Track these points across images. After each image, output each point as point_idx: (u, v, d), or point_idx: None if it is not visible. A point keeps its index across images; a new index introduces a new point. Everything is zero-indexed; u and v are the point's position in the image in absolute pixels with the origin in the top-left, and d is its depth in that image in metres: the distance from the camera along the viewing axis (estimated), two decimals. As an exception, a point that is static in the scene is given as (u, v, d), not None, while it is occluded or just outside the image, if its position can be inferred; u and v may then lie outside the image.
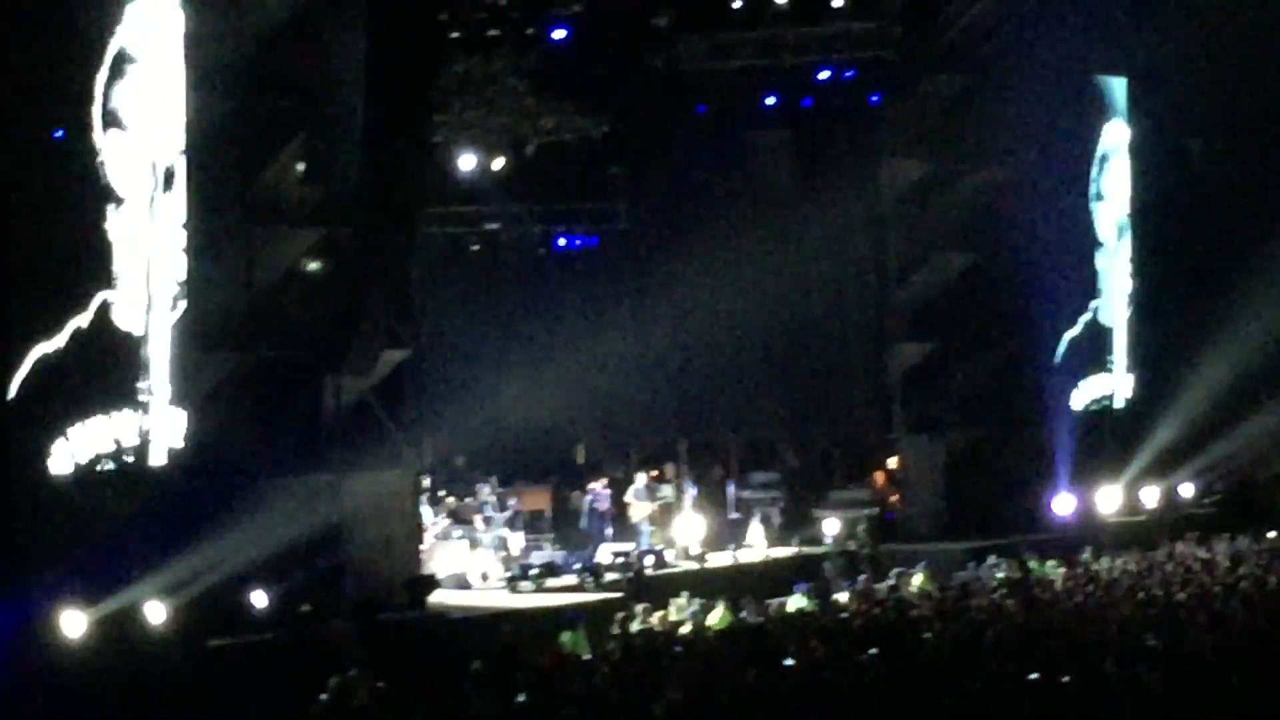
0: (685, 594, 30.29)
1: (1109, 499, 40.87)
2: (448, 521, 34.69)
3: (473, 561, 33.58)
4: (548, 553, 34.86)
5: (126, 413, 26.32)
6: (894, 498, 39.61)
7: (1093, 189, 42.09)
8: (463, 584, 32.62)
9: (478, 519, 34.91)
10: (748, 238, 41.47)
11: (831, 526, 37.58)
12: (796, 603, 29.40)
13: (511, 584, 32.53)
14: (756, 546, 36.74)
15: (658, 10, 36.50)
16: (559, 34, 34.93)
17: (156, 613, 26.11)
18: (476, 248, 40.51)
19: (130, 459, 26.32)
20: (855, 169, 39.80)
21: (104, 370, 25.84)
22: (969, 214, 40.04)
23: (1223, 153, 44.58)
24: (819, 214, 40.98)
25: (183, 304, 27.06)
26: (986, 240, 39.94)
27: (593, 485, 36.92)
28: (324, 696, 22.37)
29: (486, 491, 35.71)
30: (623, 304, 41.80)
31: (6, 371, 24.69)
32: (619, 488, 37.25)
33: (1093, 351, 42.21)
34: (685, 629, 26.91)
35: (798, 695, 19.22)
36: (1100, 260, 42.41)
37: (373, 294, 30.22)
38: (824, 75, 37.23)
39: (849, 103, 37.71)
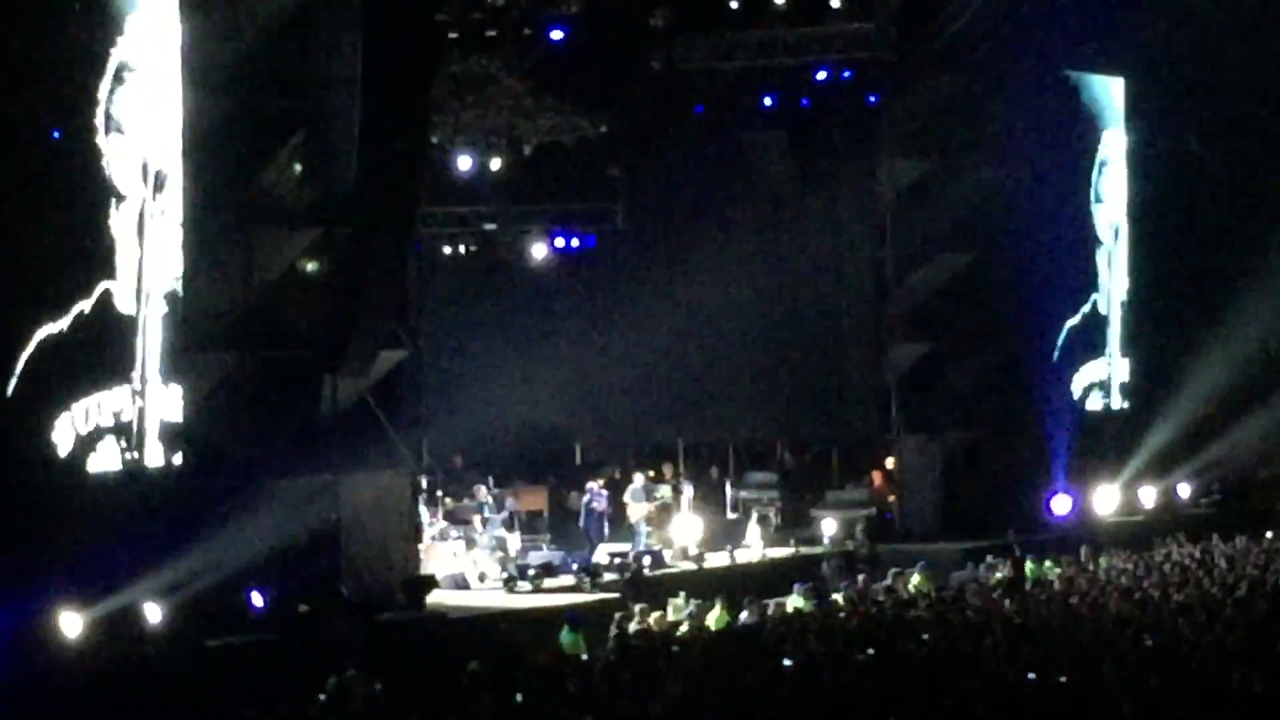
0: (683, 594, 30.27)
1: (1106, 499, 40.90)
2: (445, 522, 34.70)
3: (470, 562, 33.58)
4: (545, 553, 34.84)
5: (125, 389, 26.37)
6: (891, 498, 39.63)
7: (1091, 189, 42.09)
8: (460, 584, 32.62)
9: (475, 519, 34.91)
10: (745, 238, 41.50)
11: (829, 527, 37.60)
12: (794, 603, 29.37)
13: (509, 584, 32.54)
14: (754, 547, 36.75)
15: (655, 11, 36.49)
16: (557, 34, 34.93)
17: (154, 612, 26.11)
18: (474, 248, 40.50)
19: (129, 440, 26.35)
20: (853, 169, 39.84)
21: (103, 351, 26.00)
22: (966, 214, 40.05)
23: (1220, 152, 44.62)
24: (816, 214, 41.01)
25: (178, 298, 27.10)
26: (984, 241, 39.96)
27: (590, 485, 36.90)
28: (322, 696, 22.36)
29: (484, 492, 35.72)
30: (620, 304, 41.79)
31: (14, 348, 24.87)
32: (616, 488, 37.26)
33: (1090, 340, 42.19)
34: (683, 629, 26.89)
35: (795, 695, 19.23)
36: (1098, 259, 42.41)
37: (370, 294, 30.21)
38: (822, 75, 37.25)
39: (847, 103, 37.73)
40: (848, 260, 40.96)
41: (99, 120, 25.82)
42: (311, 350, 29.93)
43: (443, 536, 34.19)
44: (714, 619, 27.81)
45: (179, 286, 27.18)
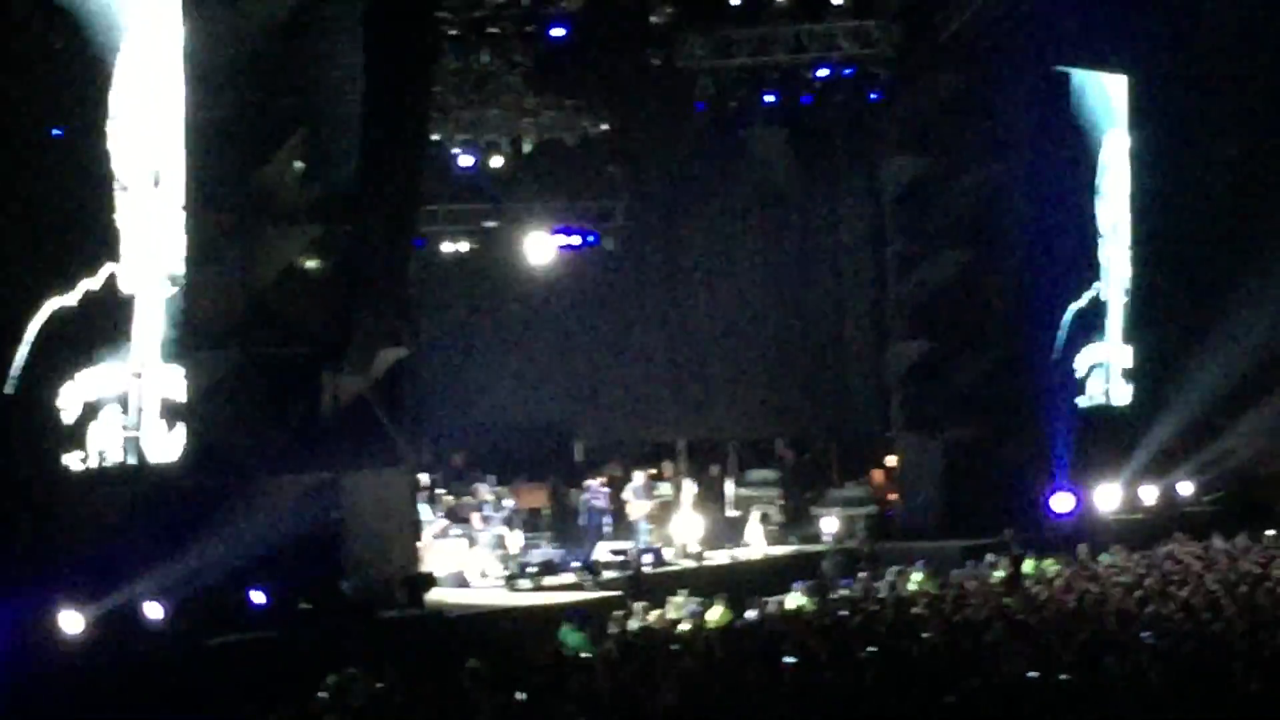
0: (684, 592, 30.28)
1: (1108, 497, 40.86)
2: (446, 520, 34.70)
3: (471, 560, 33.58)
4: (546, 551, 34.85)
5: (127, 365, 26.43)
6: (892, 496, 39.60)
7: (1092, 186, 42.04)
8: (461, 582, 32.61)
9: (476, 517, 34.90)
10: (746, 235, 41.49)
11: (830, 524, 37.57)
12: (795, 601, 29.39)
13: (509, 582, 32.53)
14: (755, 544, 36.74)
15: (656, 7, 36.47)
16: (558, 32, 34.90)
17: (154, 610, 26.09)
18: (475, 245, 40.48)
19: (126, 409, 26.40)
20: (854, 167, 39.83)
21: (109, 327, 26.11)
22: (968, 212, 40.02)
23: (1224, 148, 44.61)
24: (817, 211, 41.01)
25: (180, 291, 27.16)
26: (985, 238, 39.94)
27: (591, 483, 36.92)
28: (322, 694, 22.35)
29: (484, 490, 35.71)
30: (621, 302, 41.80)
31: (24, 318, 24.95)
32: (617, 486, 37.25)
33: (1093, 323, 42.16)
34: (684, 627, 26.90)
35: (796, 693, 19.22)
36: (1100, 254, 42.33)
37: (371, 292, 30.19)
38: (823, 73, 37.21)
39: (848, 100, 37.71)
40: (848, 257, 40.94)
41: (102, 116, 25.83)
42: (312, 348, 29.89)
43: (443, 534, 34.18)
44: (715, 617, 27.81)
45: (179, 281, 27.21)
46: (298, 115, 29.03)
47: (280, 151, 29.37)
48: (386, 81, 29.10)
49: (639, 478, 36.94)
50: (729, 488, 39.14)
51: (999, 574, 30.65)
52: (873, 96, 37.64)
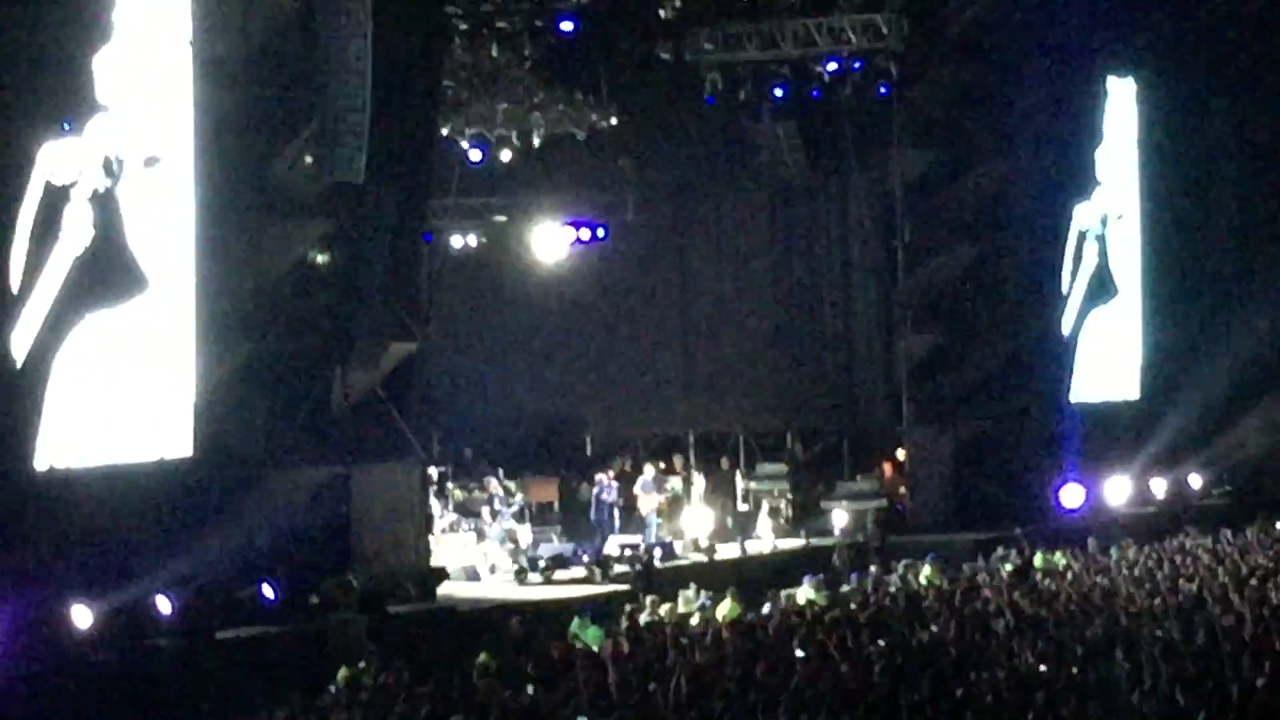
0: (694, 586, 30.27)
1: (1118, 490, 40.83)
2: (455, 514, 34.71)
3: (481, 553, 33.58)
4: (556, 545, 34.85)
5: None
6: (902, 489, 39.57)
7: (1099, 179, 42.00)
8: (471, 576, 32.63)
9: (486, 511, 34.91)
10: (755, 229, 41.48)
11: (840, 518, 37.56)
12: (805, 594, 29.36)
13: (519, 576, 32.55)
14: (765, 538, 36.73)
15: (665, 2, 36.46)
16: (567, 26, 34.89)
17: (165, 604, 26.12)
18: (484, 239, 40.48)
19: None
20: (863, 160, 39.78)
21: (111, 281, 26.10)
22: (977, 205, 40.00)
23: (1231, 145, 44.61)
24: (827, 205, 40.99)
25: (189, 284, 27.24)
26: (994, 232, 39.92)
27: (600, 477, 36.89)
28: (333, 688, 22.38)
29: (494, 484, 35.72)
30: (631, 295, 41.78)
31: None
32: (627, 480, 37.25)
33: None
34: (694, 621, 26.89)
35: (806, 686, 19.22)
36: (1086, 248, 42.20)
37: (380, 286, 30.22)
38: (832, 67, 37.17)
39: (857, 94, 37.65)
40: (858, 251, 40.92)
41: (100, 107, 25.83)
42: (321, 342, 29.94)
43: (453, 528, 34.20)
44: (725, 611, 27.79)
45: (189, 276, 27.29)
46: (307, 110, 29.06)
47: (289, 146, 29.40)
48: (395, 76, 29.11)
49: (649, 471, 36.94)
50: (739, 481, 39.12)
51: (1008, 567, 30.63)
52: (882, 90, 37.59)
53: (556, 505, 37.87)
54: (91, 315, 25.70)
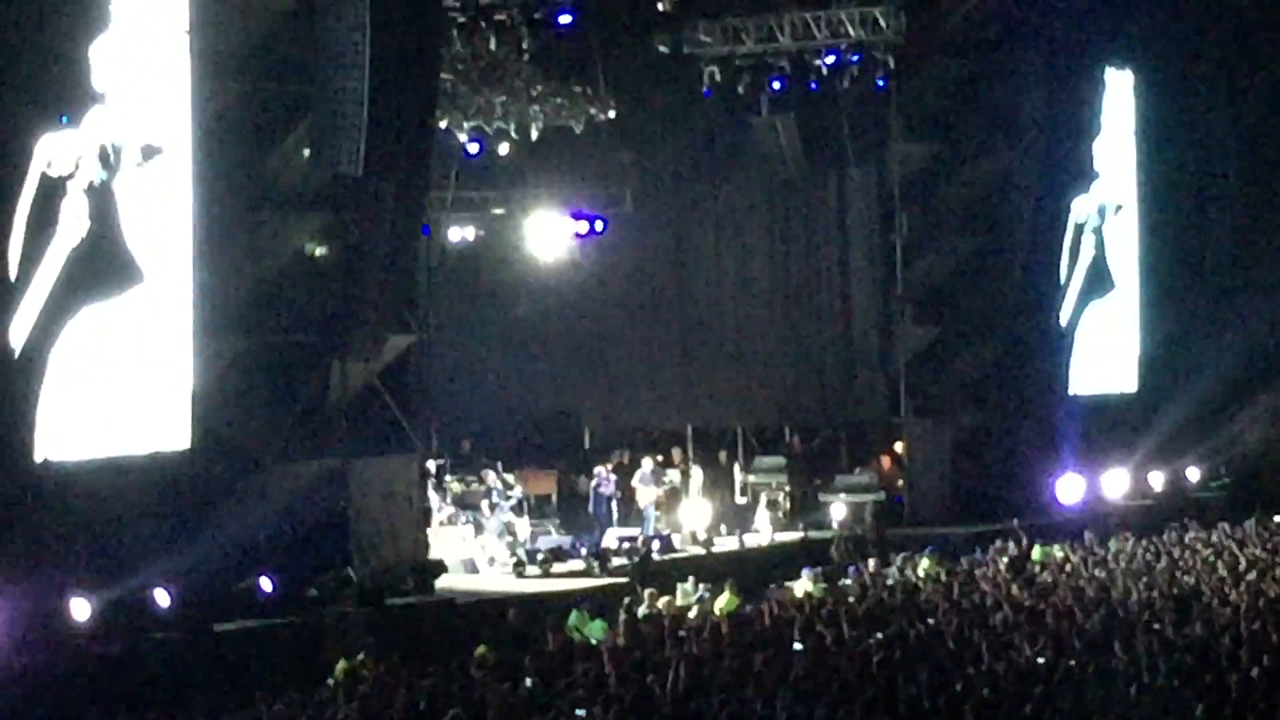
0: (692, 579, 30.29)
1: (1116, 483, 40.84)
2: (454, 507, 34.71)
3: (479, 546, 33.59)
4: (554, 538, 34.85)
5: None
6: (900, 482, 39.58)
7: (1097, 171, 41.98)
8: (469, 569, 32.62)
9: (484, 504, 34.92)
10: (754, 222, 41.44)
11: (838, 511, 37.57)
12: (803, 587, 29.38)
13: (517, 568, 32.54)
14: (763, 531, 36.73)
15: (663, -6, 36.48)
16: (565, 19, 34.86)
17: (163, 597, 26.13)
18: (482, 232, 40.46)
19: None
20: (861, 153, 39.76)
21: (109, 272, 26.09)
22: (975, 198, 40.04)
23: (1229, 140, 44.61)
24: (825, 198, 40.96)
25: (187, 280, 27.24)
26: (992, 225, 39.95)
27: (599, 470, 36.89)
28: (331, 681, 22.39)
29: (492, 477, 35.70)
30: (628, 288, 41.75)
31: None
32: (625, 473, 37.25)
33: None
34: (692, 613, 26.90)
35: (805, 679, 19.23)
36: (1083, 240, 42.20)
37: (378, 279, 30.20)
38: (830, 60, 37.15)
39: (855, 87, 37.64)
40: (856, 244, 40.90)
41: (98, 101, 25.83)
42: (320, 335, 29.94)
43: (451, 521, 34.20)
44: (723, 603, 27.81)
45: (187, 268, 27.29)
46: (305, 103, 29.05)
47: (287, 139, 29.41)
48: (393, 69, 29.09)
49: (647, 464, 36.94)
50: (737, 474, 39.14)
51: (1006, 560, 30.63)
52: (880, 83, 37.57)
53: (555, 498, 37.88)
54: (88, 307, 25.70)
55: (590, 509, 36.32)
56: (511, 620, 26.59)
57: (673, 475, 37.43)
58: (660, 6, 36.30)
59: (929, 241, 39.84)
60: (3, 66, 24.69)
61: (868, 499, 38.14)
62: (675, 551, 34.72)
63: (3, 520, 24.72)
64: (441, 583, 30.73)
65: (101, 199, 25.86)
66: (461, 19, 33.80)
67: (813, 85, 37.65)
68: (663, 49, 37.42)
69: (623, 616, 26.27)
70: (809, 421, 41.42)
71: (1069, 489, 39.32)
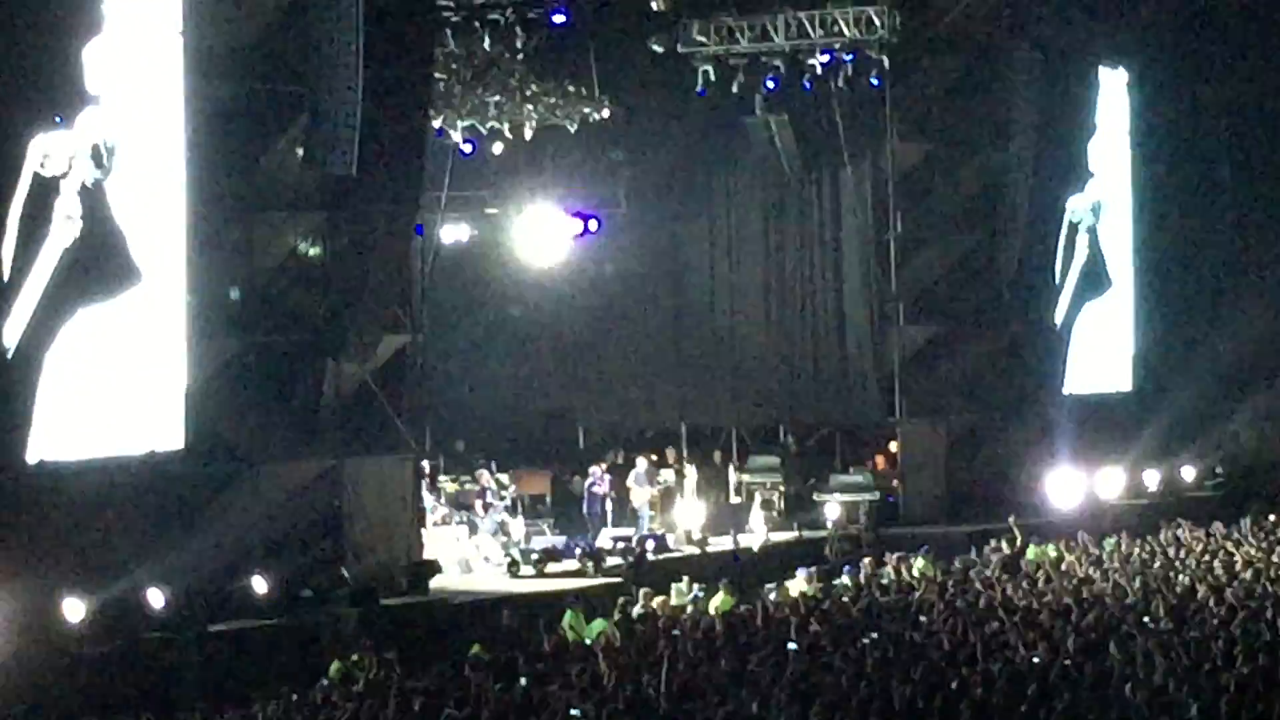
0: (686, 578, 30.27)
1: (1111, 482, 40.82)
2: (448, 506, 34.68)
3: (473, 546, 33.56)
4: (548, 537, 34.82)
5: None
6: (895, 481, 39.55)
7: (1091, 170, 41.96)
8: (463, 569, 32.60)
9: (478, 504, 34.88)
10: (748, 221, 41.41)
11: (833, 510, 37.54)
12: (798, 587, 29.36)
13: (512, 569, 32.51)
14: (757, 531, 36.70)
15: (657, -7, 36.43)
16: (559, 18, 34.84)
17: (157, 598, 26.10)
18: (476, 232, 40.43)
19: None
20: (856, 153, 39.73)
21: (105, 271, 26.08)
22: (970, 197, 40.03)
23: (1224, 137, 44.63)
24: (819, 197, 40.93)
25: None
26: (987, 223, 39.95)
27: (593, 470, 36.86)
28: (325, 681, 22.37)
29: (486, 476, 35.68)
30: (623, 288, 41.72)
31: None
32: (619, 472, 37.21)
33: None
34: (687, 613, 26.87)
35: (799, 678, 19.21)
36: (1078, 239, 42.18)
37: (372, 278, 30.19)
38: (824, 59, 37.13)
39: (849, 86, 37.61)
40: (851, 243, 40.86)
41: (96, 100, 25.79)
42: (313, 335, 29.92)
43: (445, 521, 34.16)
44: (718, 603, 27.79)
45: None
46: (298, 103, 29.03)
47: (281, 139, 29.39)
48: (387, 68, 29.07)
49: (641, 464, 36.91)
50: (731, 474, 39.09)
51: (999, 559, 30.62)
52: (874, 82, 37.54)
53: (549, 498, 37.85)
54: (83, 309, 25.66)
55: (584, 509, 36.30)
56: (506, 620, 26.57)
57: (667, 475, 37.40)
58: (654, 6, 36.23)
59: (923, 241, 39.83)
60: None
61: (862, 498, 38.11)
62: (670, 551, 34.69)
63: (-3, 521, 24.71)
64: (436, 583, 30.71)
65: (95, 199, 25.84)
66: (455, 18, 33.78)
67: (807, 85, 37.62)
68: (657, 48, 37.37)
69: (617, 616, 26.25)
70: (803, 421, 41.38)
71: (1064, 488, 39.29)
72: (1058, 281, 40.99)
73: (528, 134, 36.49)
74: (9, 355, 24.78)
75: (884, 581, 28.87)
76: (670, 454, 39.23)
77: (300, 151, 29.38)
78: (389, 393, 31.22)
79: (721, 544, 35.63)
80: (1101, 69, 42.19)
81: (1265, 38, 43.05)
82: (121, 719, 21.95)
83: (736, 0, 37.08)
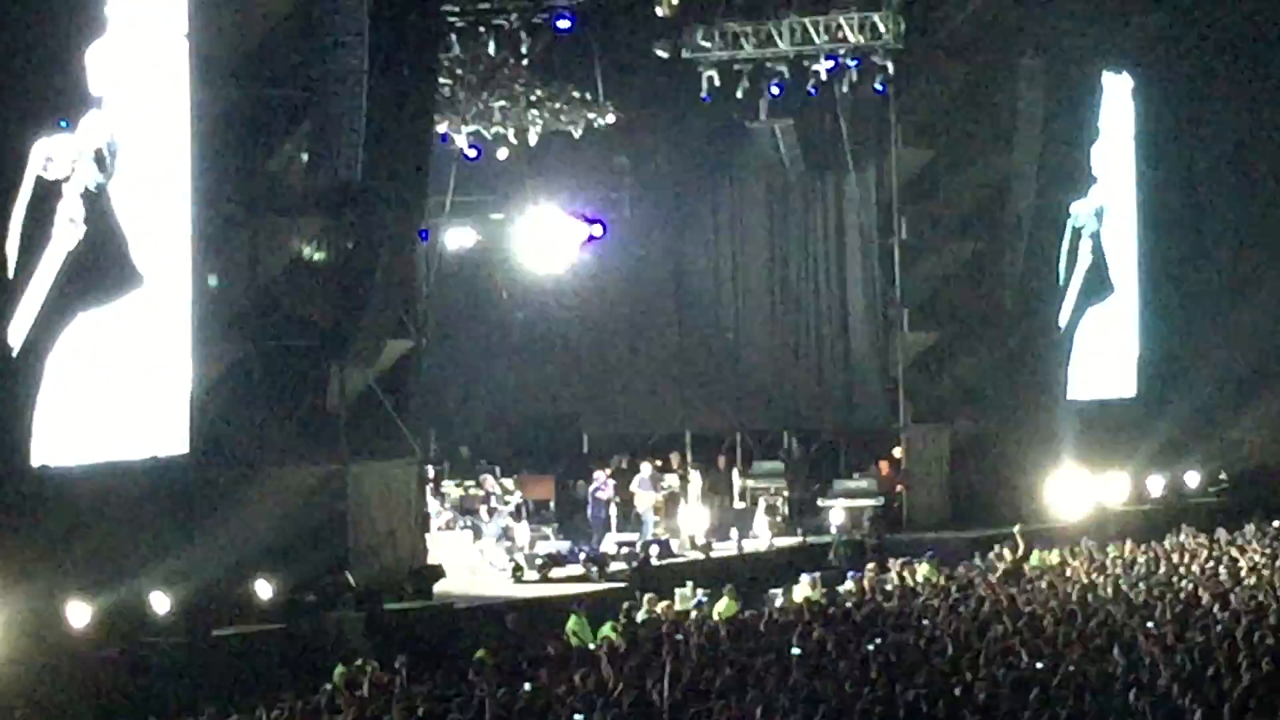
0: (690, 583, 30.27)
1: (1115, 488, 40.81)
2: (452, 511, 34.68)
3: (477, 551, 33.56)
4: (552, 542, 34.82)
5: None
6: (899, 487, 39.54)
7: (1095, 175, 41.97)
8: (469, 573, 32.59)
9: (482, 509, 34.90)
10: (752, 226, 41.41)
11: (837, 516, 37.55)
12: (802, 592, 29.36)
13: (516, 574, 32.51)
14: (762, 536, 36.71)
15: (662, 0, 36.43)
16: (564, 24, 34.86)
17: (161, 602, 26.10)
18: (481, 237, 40.43)
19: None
20: (860, 158, 39.74)
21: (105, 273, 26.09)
22: (974, 203, 40.05)
23: (1228, 145, 44.63)
24: (824, 203, 40.93)
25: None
26: (991, 229, 39.95)
27: (597, 475, 36.87)
28: (329, 686, 22.36)
29: (491, 481, 35.70)
30: (627, 293, 41.72)
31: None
32: (623, 477, 37.21)
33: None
34: (690, 618, 26.86)
35: (803, 684, 19.21)
36: (1081, 245, 42.17)
37: (377, 283, 30.18)
38: (829, 65, 37.15)
39: (854, 92, 37.63)
40: (854, 249, 40.85)
41: (97, 103, 25.80)
42: (318, 340, 29.92)
43: (450, 526, 34.18)
44: (722, 608, 27.78)
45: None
46: (303, 107, 29.05)
47: (286, 143, 29.40)
48: (392, 73, 29.09)
49: (646, 469, 36.91)
50: (736, 479, 39.10)
51: (1004, 565, 30.62)
52: (878, 88, 37.57)
53: (553, 503, 37.82)
54: (86, 312, 25.67)
55: (589, 514, 36.30)
56: (510, 625, 26.56)
57: (671, 480, 37.41)
58: (659, 11, 36.27)
59: (927, 246, 39.86)
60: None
61: (866, 504, 38.11)
62: (674, 556, 34.68)
63: (0, 525, 24.68)
64: (440, 588, 30.70)
65: (97, 203, 25.85)
66: (460, 23, 33.84)
67: (811, 90, 37.64)
68: (661, 54, 37.40)
69: (621, 621, 26.25)
70: (808, 426, 41.38)
71: (1067, 494, 39.28)
72: (1061, 287, 41.01)
73: (532, 139, 36.52)
74: (12, 359, 24.78)
75: (888, 587, 28.85)
76: (674, 459, 39.24)
77: (305, 156, 29.40)
78: (393, 398, 31.23)
79: (725, 549, 35.64)
80: (1105, 74, 42.23)
81: (1269, 44, 43.06)
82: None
83: (741, 6, 37.10)
